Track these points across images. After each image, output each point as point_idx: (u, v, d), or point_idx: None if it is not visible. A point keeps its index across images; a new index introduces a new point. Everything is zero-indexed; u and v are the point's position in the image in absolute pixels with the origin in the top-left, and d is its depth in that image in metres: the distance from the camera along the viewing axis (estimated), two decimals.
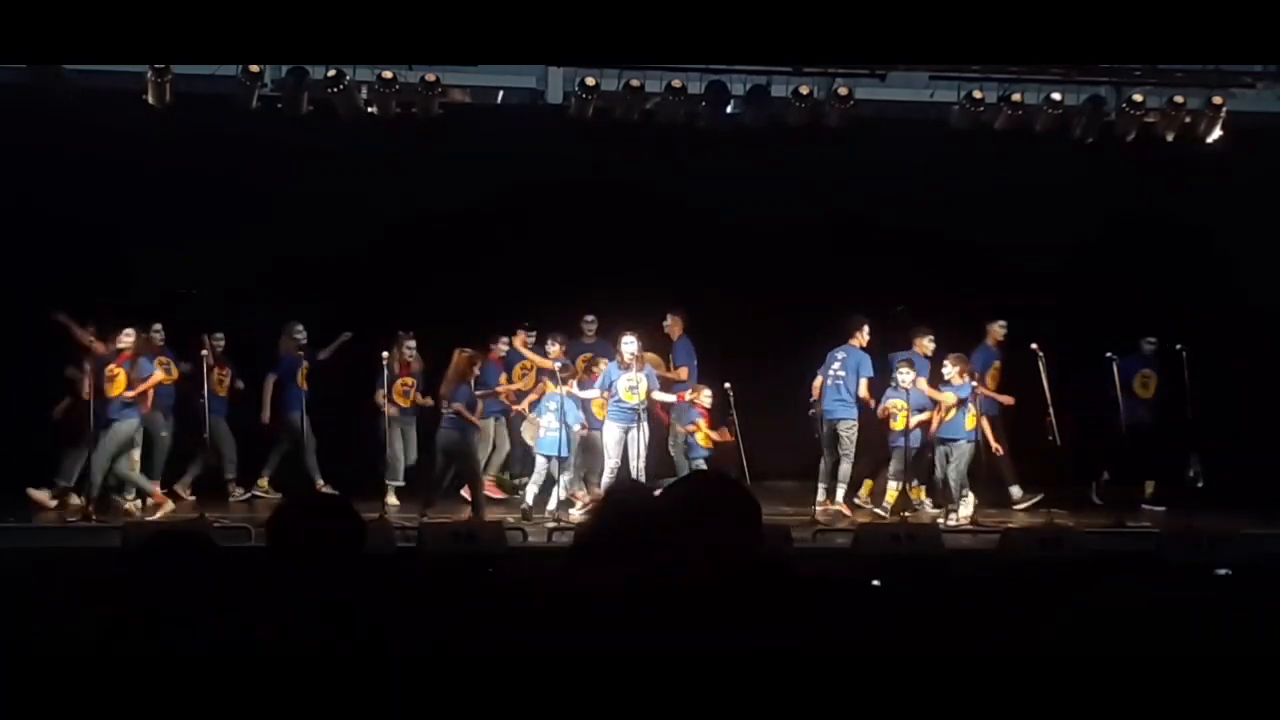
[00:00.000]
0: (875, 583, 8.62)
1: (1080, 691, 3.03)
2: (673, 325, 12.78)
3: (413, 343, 12.23)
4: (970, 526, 11.76)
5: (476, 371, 11.71)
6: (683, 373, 12.52)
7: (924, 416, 12.00)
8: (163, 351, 11.95)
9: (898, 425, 11.99)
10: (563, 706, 2.69)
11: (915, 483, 12.31)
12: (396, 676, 3.02)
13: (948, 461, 11.97)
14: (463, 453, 11.48)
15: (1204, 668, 3.05)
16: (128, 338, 11.33)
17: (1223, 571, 9.71)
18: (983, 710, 2.93)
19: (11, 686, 3.06)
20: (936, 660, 2.89)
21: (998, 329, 12.60)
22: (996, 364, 12.55)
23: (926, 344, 12.26)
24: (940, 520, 11.78)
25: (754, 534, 2.89)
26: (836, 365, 12.19)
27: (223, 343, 12.36)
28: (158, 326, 11.94)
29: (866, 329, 12.28)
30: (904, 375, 11.94)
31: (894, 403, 12.02)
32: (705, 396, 12.14)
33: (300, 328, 12.41)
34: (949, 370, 12.02)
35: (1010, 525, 11.62)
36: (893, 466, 12.10)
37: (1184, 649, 3.08)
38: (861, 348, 12.27)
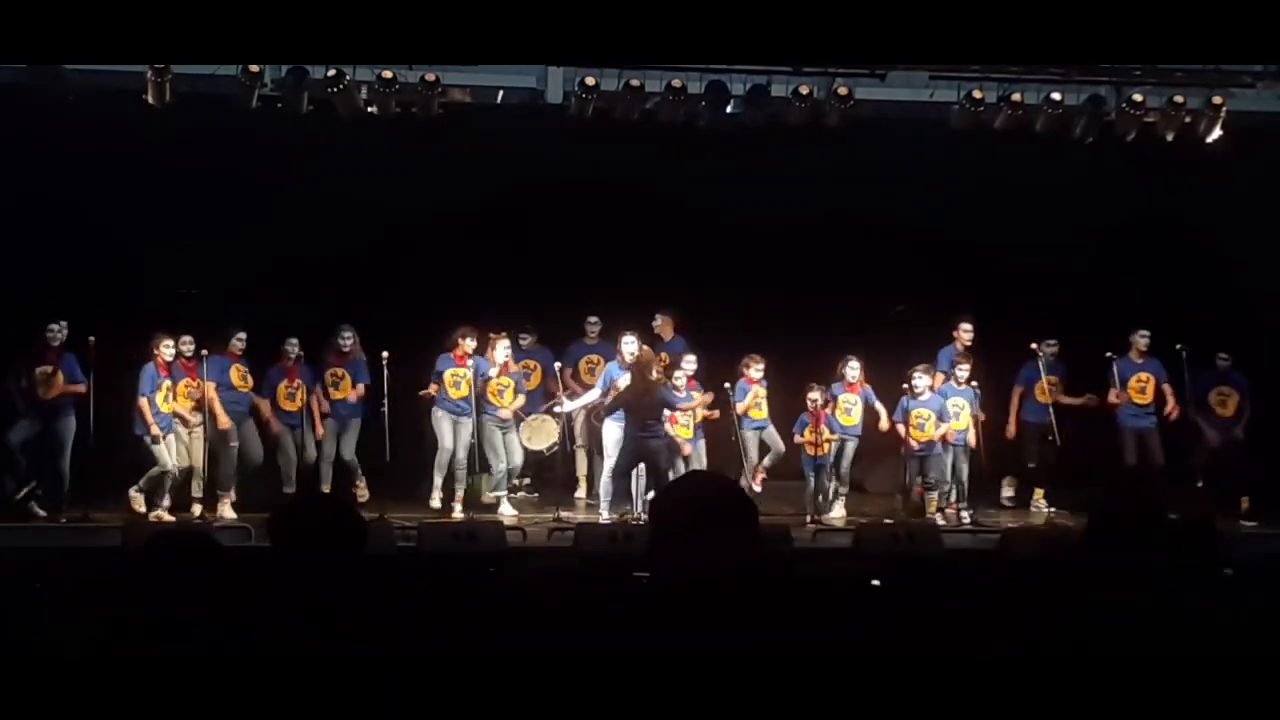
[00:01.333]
0: (875, 583, 8.63)
1: (1080, 691, 3.03)
2: (663, 326, 12.77)
3: (507, 343, 11.97)
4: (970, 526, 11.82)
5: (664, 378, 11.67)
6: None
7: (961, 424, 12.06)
8: (241, 359, 11.80)
9: (925, 435, 11.96)
10: (563, 707, 2.69)
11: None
12: (396, 676, 3.02)
13: (957, 463, 12.03)
14: (674, 457, 11.47)
15: (1204, 668, 3.05)
16: (168, 348, 11.42)
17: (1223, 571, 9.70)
18: (983, 710, 2.93)
19: (11, 686, 3.06)
20: (936, 660, 2.89)
21: (1140, 340, 12.37)
22: (1142, 375, 12.37)
23: (1049, 348, 12.35)
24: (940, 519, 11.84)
25: (752, 535, 2.89)
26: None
27: (296, 349, 11.91)
28: (241, 335, 11.72)
29: (963, 327, 12.33)
30: (920, 380, 11.93)
31: (920, 412, 12.00)
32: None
33: (347, 334, 12.07)
34: (963, 372, 12.05)
35: (1010, 525, 11.63)
36: (929, 476, 12.08)
37: (1184, 649, 3.08)
38: (965, 348, 12.29)
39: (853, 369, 12.18)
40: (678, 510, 2.87)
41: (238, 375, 11.76)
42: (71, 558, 9.50)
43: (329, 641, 3.12)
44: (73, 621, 3.36)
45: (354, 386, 12.07)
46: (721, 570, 2.76)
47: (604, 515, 11.64)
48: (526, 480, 12.95)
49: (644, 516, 11.43)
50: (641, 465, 11.59)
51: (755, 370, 12.12)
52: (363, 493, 12.02)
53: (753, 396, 12.13)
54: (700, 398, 12.02)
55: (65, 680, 3.05)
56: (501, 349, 11.93)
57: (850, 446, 12.26)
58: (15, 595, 6.39)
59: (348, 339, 12.08)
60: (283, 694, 3.00)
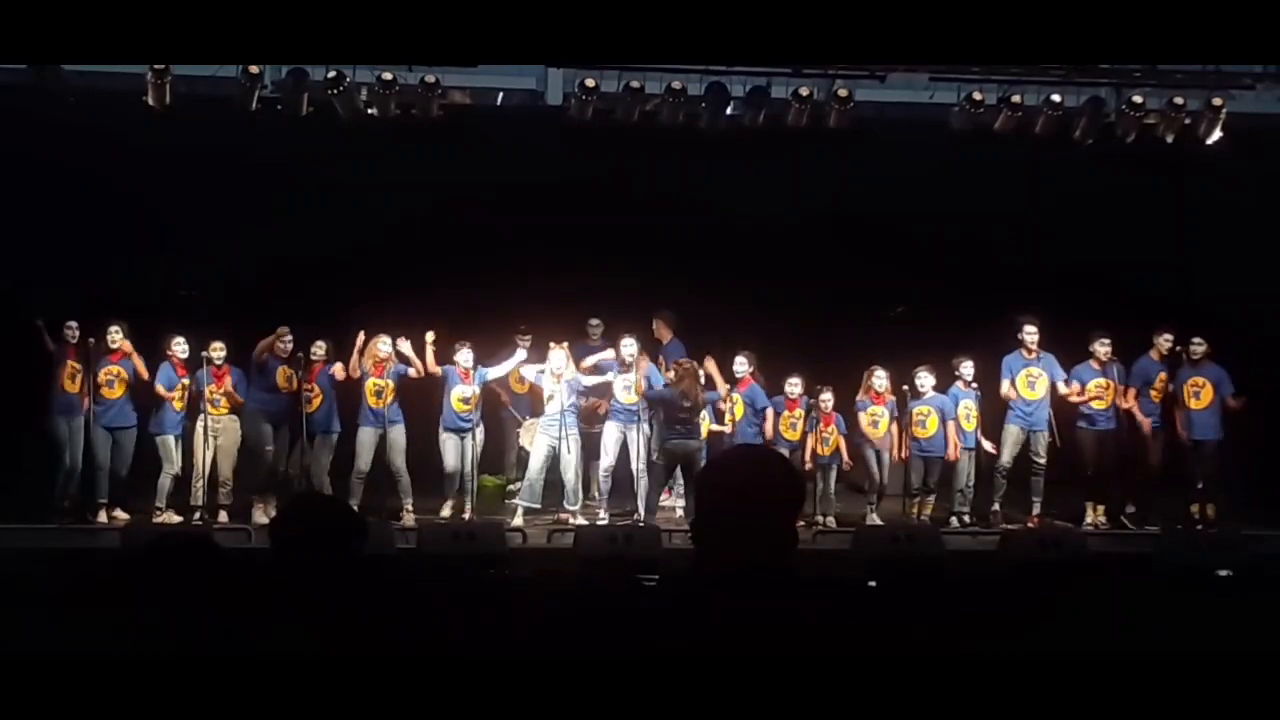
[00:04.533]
0: (872, 584, 8.64)
1: (1080, 691, 3.03)
2: (660, 329, 12.76)
3: (564, 352, 11.79)
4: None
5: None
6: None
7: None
8: (287, 361, 11.54)
9: (926, 433, 11.91)
10: (562, 706, 2.69)
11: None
12: (396, 676, 3.02)
13: (963, 465, 12.02)
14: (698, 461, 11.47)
15: (1204, 668, 3.05)
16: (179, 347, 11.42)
17: (1223, 573, 9.73)
18: (983, 710, 2.93)
19: (11, 686, 3.06)
20: (936, 660, 2.89)
21: (1163, 342, 12.16)
22: (1162, 375, 12.23)
23: (1100, 349, 12.07)
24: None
25: (796, 511, 2.86)
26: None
27: (323, 351, 11.67)
28: (288, 336, 11.50)
29: (1098, 342, 12.05)
30: (924, 379, 11.89)
31: (922, 409, 11.95)
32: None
33: (385, 343, 11.66)
34: (969, 371, 12.00)
35: (1010, 527, 11.64)
36: (930, 480, 12.03)
37: (1184, 649, 3.08)
38: (1101, 358, 12.07)
39: (880, 379, 12.02)
40: (729, 474, 2.84)
41: (283, 377, 11.54)
42: (71, 558, 9.52)
43: (329, 641, 3.12)
44: (73, 621, 3.36)
45: (397, 393, 11.72)
46: (766, 548, 2.73)
47: (602, 516, 11.67)
48: (520, 482, 12.92)
49: (643, 519, 11.46)
50: (621, 463, 11.67)
51: (792, 388, 12.03)
52: (407, 515, 11.62)
53: (786, 418, 12.05)
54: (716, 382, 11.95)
55: (65, 681, 3.05)
56: (557, 357, 11.74)
57: (885, 457, 12.10)
58: (15, 595, 6.39)
59: (385, 347, 11.68)
60: (283, 694, 3.00)
